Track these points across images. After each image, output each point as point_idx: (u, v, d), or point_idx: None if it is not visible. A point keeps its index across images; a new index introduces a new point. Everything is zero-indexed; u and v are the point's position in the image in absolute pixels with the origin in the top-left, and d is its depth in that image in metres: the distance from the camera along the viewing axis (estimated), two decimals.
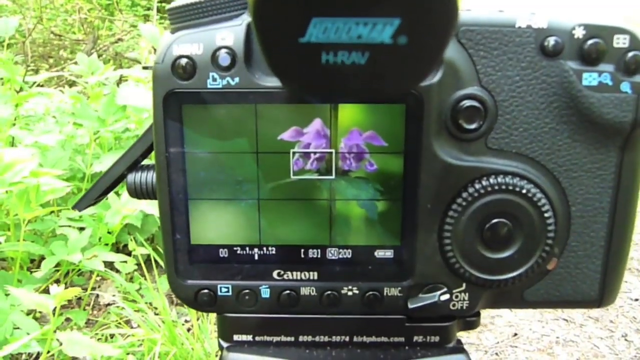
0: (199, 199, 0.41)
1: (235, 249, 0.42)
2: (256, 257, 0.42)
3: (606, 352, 1.73)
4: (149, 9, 4.43)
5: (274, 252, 0.42)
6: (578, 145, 0.40)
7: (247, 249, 0.42)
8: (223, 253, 0.42)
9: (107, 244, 1.58)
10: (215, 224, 0.42)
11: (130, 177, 0.45)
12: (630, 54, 0.39)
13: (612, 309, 1.93)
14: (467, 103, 0.39)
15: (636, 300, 1.99)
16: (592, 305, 0.45)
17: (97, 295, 1.77)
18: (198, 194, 0.41)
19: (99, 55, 4.27)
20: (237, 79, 0.38)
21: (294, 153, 0.40)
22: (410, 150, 0.39)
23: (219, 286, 0.42)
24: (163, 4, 4.55)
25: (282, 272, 0.42)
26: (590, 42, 0.38)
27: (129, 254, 1.68)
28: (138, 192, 0.45)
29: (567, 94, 0.39)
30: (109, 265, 1.59)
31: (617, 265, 0.43)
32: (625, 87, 0.39)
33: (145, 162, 0.46)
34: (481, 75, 0.39)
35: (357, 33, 0.23)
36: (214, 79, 0.38)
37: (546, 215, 0.40)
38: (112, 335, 1.45)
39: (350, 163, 0.40)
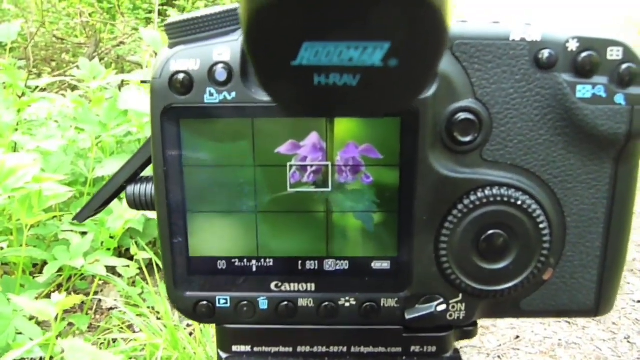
0: (197, 211, 0.42)
1: (233, 260, 0.42)
2: (254, 268, 0.42)
3: (609, 355, 1.73)
4: (150, 12, 4.44)
5: (271, 263, 0.42)
6: (573, 157, 0.41)
7: (245, 260, 0.42)
8: (221, 265, 0.43)
9: (109, 249, 1.59)
10: (214, 236, 0.42)
11: (130, 189, 0.45)
12: (624, 66, 0.39)
13: (615, 311, 1.92)
14: (462, 116, 0.39)
15: (639, 302, 1.99)
16: (588, 315, 0.45)
17: (100, 299, 1.78)
18: (196, 206, 0.41)
19: (101, 59, 4.29)
20: (233, 94, 0.39)
21: (290, 166, 0.40)
22: (405, 163, 0.40)
23: (217, 298, 0.43)
24: (165, 7, 4.56)
25: (279, 284, 0.43)
26: (584, 54, 0.39)
27: (131, 258, 1.69)
28: (137, 204, 0.45)
29: (561, 106, 0.40)
30: (111, 269, 1.60)
31: (612, 275, 0.44)
32: (619, 99, 0.39)
33: (144, 173, 0.47)
34: (476, 88, 0.40)
35: (348, 56, 0.23)
36: (211, 94, 0.39)
37: (541, 226, 0.40)
38: (114, 340, 1.46)
39: (346, 176, 0.40)
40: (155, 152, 0.41)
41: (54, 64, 4.29)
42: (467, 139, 0.40)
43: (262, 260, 0.42)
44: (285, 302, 0.43)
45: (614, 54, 0.39)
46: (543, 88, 0.40)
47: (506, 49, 0.39)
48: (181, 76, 0.39)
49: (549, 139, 0.40)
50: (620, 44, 0.39)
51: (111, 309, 1.73)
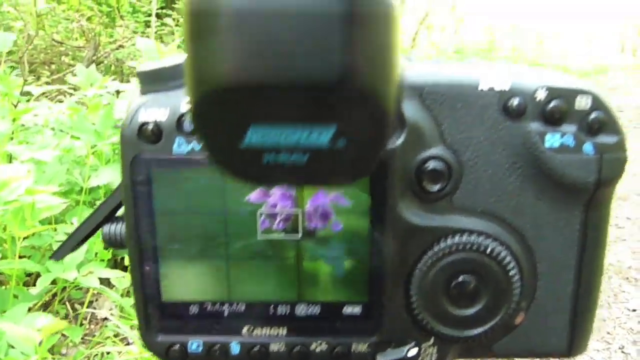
0: (169, 257, 0.42)
1: (205, 305, 0.43)
2: (226, 313, 0.43)
3: None
4: (149, 15, 4.44)
5: (243, 308, 0.42)
6: (543, 204, 0.41)
7: (218, 305, 0.42)
8: (193, 309, 0.43)
9: (103, 260, 1.59)
10: (186, 281, 0.42)
11: (106, 228, 0.46)
12: (592, 115, 0.39)
13: (609, 320, 1.92)
14: (431, 164, 0.39)
15: (634, 310, 1.98)
16: (561, 356, 0.45)
17: (95, 308, 1.78)
18: (168, 252, 0.42)
19: (100, 62, 4.29)
20: None
21: (260, 214, 0.40)
22: (375, 211, 0.40)
23: (189, 342, 0.43)
24: (163, 11, 4.56)
25: (251, 328, 0.43)
26: (552, 103, 0.39)
27: (125, 268, 1.69)
28: (112, 243, 0.46)
29: (530, 155, 0.40)
30: (106, 280, 1.60)
31: (584, 318, 0.44)
32: (587, 148, 0.39)
33: (120, 212, 0.47)
34: (446, 136, 0.40)
35: (295, 138, 0.23)
36: (180, 144, 0.39)
37: (511, 273, 0.40)
38: (108, 353, 1.46)
39: (316, 223, 0.40)
40: (126, 199, 0.41)
41: (53, 66, 4.30)
42: (437, 187, 0.40)
43: (234, 304, 0.42)
44: (257, 347, 0.43)
45: (583, 102, 0.39)
46: (512, 136, 0.40)
47: (475, 97, 0.39)
48: (150, 126, 0.39)
49: (519, 186, 0.40)
50: (589, 93, 0.39)
51: (106, 319, 1.74)
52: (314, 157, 0.24)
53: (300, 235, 0.41)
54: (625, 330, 1.87)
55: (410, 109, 0.39)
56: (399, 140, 0.39)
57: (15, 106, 1.93)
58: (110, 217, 0.46)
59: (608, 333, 1.86)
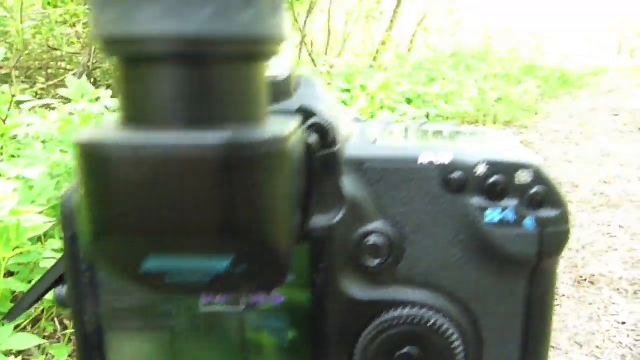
0: (114, 329, 0.42)
1: None
2: None
3: None
4: None
5: None
6: (486, 275, 0.41)
7: None
8: None
9: None
10: (131, 353, 0.42)
11: (58, 290, 0.46)
12: (534, 189, 0.39)
13: (599, 333, 1.92)
14: (372, 239, 0.39)
15: (623, 323, 1.98)
16: None
17: None
18: (112, 324, 0.41)
19: (97, 68, 4.30)
20: None
21: None
22: (316, 285, 0.40)
23: None
24: None
25: None
26: (493, 178, 0.39)
27: None
28: (65, 304, 0.46)
29: (471, 229, 0.40)
30: None
31: None
32: (528, 222, 0.39)
33: None
34: (386, 210, 0.40)
35: (194, 264, 0.23)
36: None
37: (454, 345, 0.40)
38: None
39: (258, 296, 0.40)
40: (69, 273, 0.41)
41: (50, 71, 4.30)
42: (377, 261, 0.40)
43: None
44: None
45: (523, 177, 0.39)
46: (453, 210, 0.40)
47: (415, 171, 0.39)
48: None
49: (461, 258, 0.40)
50: (529, 167, 0.39)
51: None
52: (217, 278, 0.24)
53: (242, 307, 0.41)
54: (614, 344, 1.87)
55: (350, 185, 0.39)
56: (338, 217, 0.39)
57: (4, 121, 1.93)
58: (63, 279, 0.46)
59: (597, 347, 1.86)
